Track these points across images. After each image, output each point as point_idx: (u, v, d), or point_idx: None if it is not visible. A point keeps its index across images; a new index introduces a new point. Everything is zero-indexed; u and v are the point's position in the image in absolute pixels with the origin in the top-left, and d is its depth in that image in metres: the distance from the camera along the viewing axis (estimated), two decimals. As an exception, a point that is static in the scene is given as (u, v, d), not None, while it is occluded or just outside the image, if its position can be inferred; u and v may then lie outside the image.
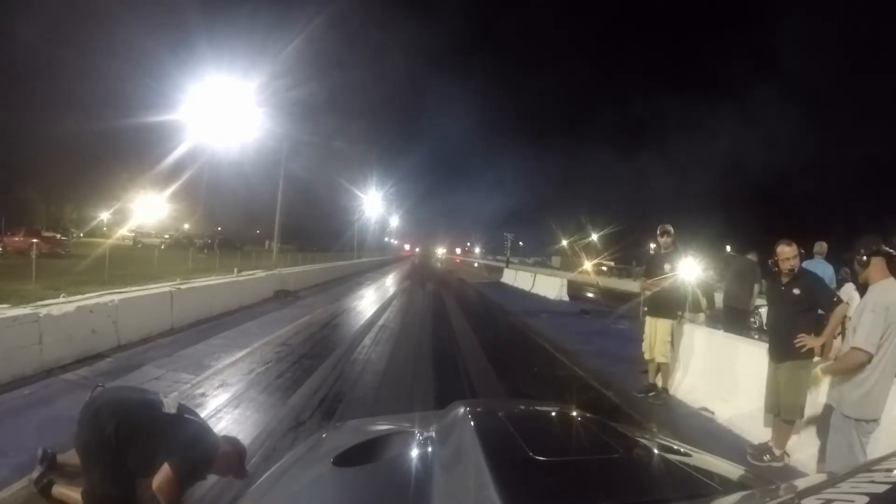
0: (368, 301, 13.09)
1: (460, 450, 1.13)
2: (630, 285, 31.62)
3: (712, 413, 4.70)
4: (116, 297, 6.15)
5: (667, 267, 5.07)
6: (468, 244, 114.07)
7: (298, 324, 8.19)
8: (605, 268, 47.25)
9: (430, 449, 1.27)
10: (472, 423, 1.25)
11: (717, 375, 5.06)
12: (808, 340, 3.38)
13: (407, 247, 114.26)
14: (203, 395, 4.33)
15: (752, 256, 7.08)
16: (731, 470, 1.27)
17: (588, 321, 11.48)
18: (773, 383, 3.63)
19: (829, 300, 3.46)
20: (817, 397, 3.61)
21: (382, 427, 1.63)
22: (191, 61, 20.35)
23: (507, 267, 31.56)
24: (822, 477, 0.72)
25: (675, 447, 1.47)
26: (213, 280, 9.03)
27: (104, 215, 42.02)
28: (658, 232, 5.25)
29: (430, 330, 8.80)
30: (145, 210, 38.20)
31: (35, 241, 20.65)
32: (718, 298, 7.35)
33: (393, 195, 61.29)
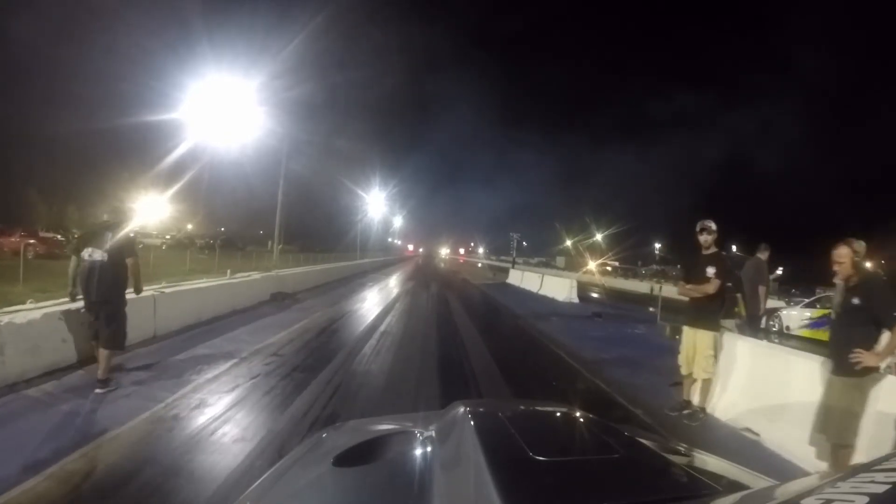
0: (370, 304, 12.52)
1: (460, 450, 1.12)
2: (636, 286, 31.14)
3: (757, 434, 4.12)
4: (91, 303, 5.60)
5: (709, 270, 4.46)
6: (472, 244, 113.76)
7: (294, 330, 7.62)
8: (609, 268, 46.72)
9: (429, 449, 1.26)
10: (472, 423, 1.25)
11: (761, 391, 4.47)
12: (864, 357, 2.92)
13: (410, 247, 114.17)
14: (175, 417, 3.76)
15: (761, 255, 6.46)
16: (731, 470, 1.25)
17: (602, 325, 10.86)
18: (824, 400, 3.24)
19: (889, 313, 2.91)
20: (880, 419, 3.10)
21: (382, 427, 1.62)
22: (193, 60, 20.09)
23: (513, 267, 30.88)
24: (822, 477, 0.69)
25: (676, 447, 1.50)
26: (203, 283, 8.47)
27: (107, 216, 41.58)
28: (697, 229, 4.62)
29: (435, 336, 8.20)
30: (148, 210, 38.02)
31: (31, 241, 20.37)
32: None
33: (396, 195, 61.16)
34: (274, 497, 1.15)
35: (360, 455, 1.21)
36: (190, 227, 51.49)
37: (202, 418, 3.78)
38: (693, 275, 4.65)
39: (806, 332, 11.00)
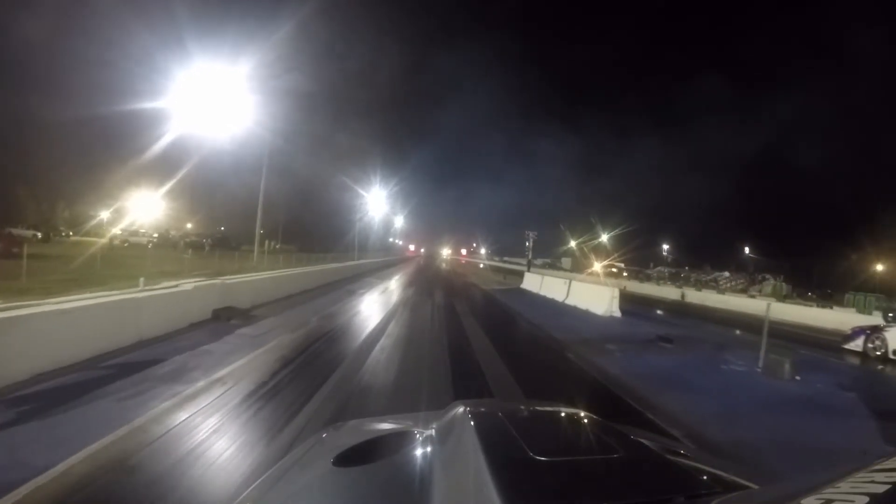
0: (356, 323, 9.36)
1: (460, 450, 1.11)
2: (659, 290, 27.94)
3: None
4: None
5: None
6: (474, 245, 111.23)
7: (210, 383, 4.48)
8: (615, 269, 43.91)
9: (430, 449, 1.24)
10: (472, 422, 1.24)
11: None
12: None
13: (412, 247, 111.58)
14: None
15: None
16: (731, 470, 1.21)
17: (680, 356, 7.72)
18: None
19: None
20: None
21: (382, 427, 1.61)
22: (184, 51, 18.47)
23: (528, 271, 27.55)
24: (822, 477, 0.66)
25: (675, 447, 1.53)
26: (77, 301, 5.34)
27: (104, 214, 39.64)
28: None
29: (448, 391, 5.10)
30: (141, 209, 36.75)
31: (-10, 240, 18.38)
32: None
33: (398, 194, 59.10)
34: (274, 497, 1.11)
35: (359, 455, 1.20)
36: (189, 225, 49.49)
37: None
38: None
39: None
